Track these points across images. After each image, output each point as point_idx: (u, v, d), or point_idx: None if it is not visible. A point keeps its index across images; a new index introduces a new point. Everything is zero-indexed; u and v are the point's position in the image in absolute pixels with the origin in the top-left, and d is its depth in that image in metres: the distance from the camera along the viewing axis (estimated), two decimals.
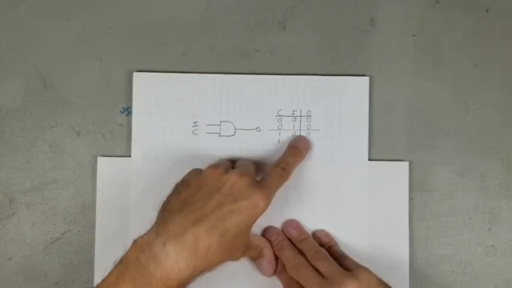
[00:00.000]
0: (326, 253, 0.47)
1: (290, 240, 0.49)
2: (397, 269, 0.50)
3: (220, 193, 0.43)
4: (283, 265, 0.47)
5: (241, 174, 0.44)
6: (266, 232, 0.50)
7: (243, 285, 0.49)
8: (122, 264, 0.41)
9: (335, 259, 0.46)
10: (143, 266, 0.40)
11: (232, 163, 0.49)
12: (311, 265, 0.46)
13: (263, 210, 0.44)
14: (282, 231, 0.50)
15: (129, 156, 0.50)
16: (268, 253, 0.48)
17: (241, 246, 0.45)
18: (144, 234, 0.42)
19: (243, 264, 0.49)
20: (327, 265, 0.45)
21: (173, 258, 0.40)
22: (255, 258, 0.48)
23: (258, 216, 0.44)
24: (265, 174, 0.47)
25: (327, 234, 0.50)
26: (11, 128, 0.51)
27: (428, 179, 0.51)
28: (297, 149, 0.49)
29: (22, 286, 0.50)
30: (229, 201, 0.43)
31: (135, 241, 0.41)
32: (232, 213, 0.42)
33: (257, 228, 0.50)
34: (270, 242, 0.49)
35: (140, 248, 0.41)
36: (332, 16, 0.52)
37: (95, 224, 0.50)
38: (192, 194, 0.44)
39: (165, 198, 0.46)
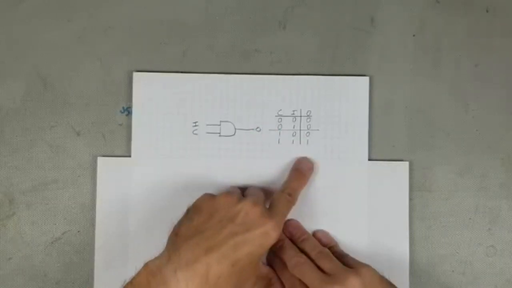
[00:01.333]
0: (329, 252, 0.47)
1: (290, 239, 0.49)
2: (397, 269, 0.50)
3: (234, 222, 0.43)
4: (284, 264, 0.47)
5: (254, 204, 0.44)
6: None
7: None
8: (132, 286, 0.41)
9: (336, 258, 0.46)
10: None
11: (242, 190, 0.49)
12: (314, 263, 0.46)
13: (275, 240, 0.44)
14: (283, 230, 0.50)
15: (129, 156, 0.50)
16: (277, 283, 0.48)
17: (252, 276, 0.45)
18: (156, 258, 0.42)
19: None
20: (330, 263, 0.45)
21: (183, 286, 0.40)
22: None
23: (269, 246, 0.44)
24: (273, 201, 0.47)
25: (327, 234, 0.50)
26: (11, 128, 0.51)
27: (428, 179, 0.51)
28: (300, 172, 0.49)
29: (22, 286, 0.50)
30: (242, 230, 0.43)
31: (146, 264, 0.41)
32: (245, 243, 0.42)
33: None
34: None
35: (151, 272, 0.41)
36: (332, 16, 0.52)
37: (95, 224, 0.50)
38: (204, 221, 0.44)
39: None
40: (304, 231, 0.50)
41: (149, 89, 0.51)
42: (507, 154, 0.51)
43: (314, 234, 0.50)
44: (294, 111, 0.51)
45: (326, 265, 0.45)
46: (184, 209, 0.47)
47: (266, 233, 0.43)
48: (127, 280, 0.41)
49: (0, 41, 0.51)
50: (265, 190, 0.49)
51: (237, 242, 0.42)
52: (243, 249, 0.42)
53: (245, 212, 0.44)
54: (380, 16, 0.52)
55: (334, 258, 0.46)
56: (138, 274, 0.41)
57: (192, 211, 0.46)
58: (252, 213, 0.44)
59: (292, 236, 0.49)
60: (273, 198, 0.47)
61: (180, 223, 0.45)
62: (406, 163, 0.51)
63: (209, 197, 0.46)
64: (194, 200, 0.47)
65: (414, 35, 0.52)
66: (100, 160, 0.50)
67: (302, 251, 0.48)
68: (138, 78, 0.51)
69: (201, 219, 0.44)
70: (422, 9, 0.52)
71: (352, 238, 0.50)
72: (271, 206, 0.46)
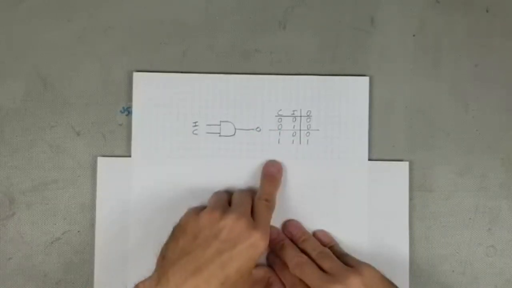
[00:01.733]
0: (330, 252, 0.47)
1: (291, 239, 0.49)
2: (397, 269, 0.50)
3: (218, 239, 0.43)
4: (285, 264, 0.47)
5: (238, 217, 0.44)
6: None
7: None
8: None
9: (337, 258, 0.47)
10: None
11: (229, 194, 0.49)
12: (315, 263, 0.46)
13: (264, 249, 0.44)
14: (283, 231, 0.50)
15: (129, 156, 0.50)
16: (276, 280, 0.48)
17: (245, 287, 0.45)
18: (146, 280, 0.42)
19: None
20: (330, 263, 0.46)
21: None
22: None
23: (259, 257, 0.44)
24: (253, 211, 0.46)
25: (327, 234, 0.50)
26: (11, 128, 0.51)
27: (428, 179, 0.51)
28: (271, 175, 0.49)
29: (22, 286, 0.50)
30: (228, 247, 0.43)
31: (136, 286, 0.42)
32: (232, 259, 0.42)
33: None
34: (270, 241, 0.49)
35: None
36: (332, 16, 0.52)
37: (95, 224, 0.50)
38: (189, 242, 0.44)
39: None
40: (304, 231, 0.50)
41: (149, 89, 0.51)
42: (507, 154, 0.51)
43: (314, 234, 0.50)
44: (294, 111, 0.51)
45: (327, 264, 0.45)
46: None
47: (254, 245, 0.43)
48: None
49: (0, 41, 0.51)
50: (253, 191, 0.49)
51: (224, 260, 0.42)
52: (231, 266, 0.42)
53: (229, 228, 0.43)
54: (380, 16, 0.52)
55: (335, 258, 0.46)
56: None
57: (177, 232, 0.45)
58: (236, 227, 0.43)
59: (292, 236, 0.49)
60: (252, 208, 0.47)
61: (167, 245, 0.45)
62: (406, 163, 0.51)
63: (192, 216, 0.46)
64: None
65: (414, 35, 0.52)
66: (100, 160, 0.50)
67: (303, 251, 0.48)
68: (138, 78, 0.51)
69: (186, 240, 0.44)
70: (422, 9, 0.52)
71: (352, 238, 0.50)
72: (255, 216, 0.46)
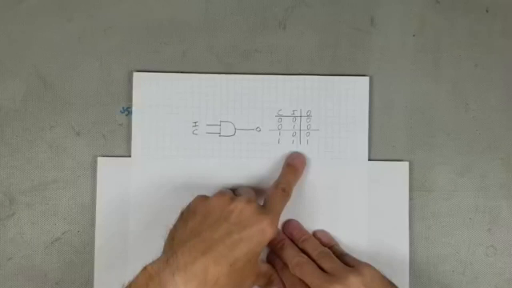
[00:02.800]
0: (330, 252, 0.47)
1: (291, 239, 0.49)
2: (397, 269, 0.50)
3: (228, 221, 0.43)
4: (285, 264, 0.47)
5: (248, 202, 0.44)
6: None
7: None
8: None
9: (337, 258, 0.47)
10: None
11: (232, 191, 0.49)
12: (315, 263, 0.46)
13: (272, 236, 0.44)
14: (283, 231, 0.50)
15: (129, 156, 0.50)
16: (277, 279, 0.48)
17: (251, 275, 0.45)
18: (154, 262, 0.42)
19: None
20: (331, 263, 0.45)
21: None
22: (265, 286, 0.48)
23: (266, 243, 0.44)
24: (267, 197, 0.46)
25: (327, 234, 0.50)
26: (11, 128, 0.51)
27: (428, 179, 0.51)
28: (294, 167, 0.49)
29: (22, 286, 0.50)
30: (238, 229, 0.43)
31: (144, 268, 0.41)
32: (241, 241, 0.42)
33: None
34: (270, 241, 0.49)
35: (150, 276, 0.40)
36: (332, 16, 0.52)
37: (95, 224, 0.50)
38: (199, 223, 0.44)
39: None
40: (304, 232, 0.50)
41: (149, 89, 0.51)
42: (507, 154, 0.51)
43: (314, 234, 0.50)
44: (294, 111, 0.51)
45: (327, 264, 0.45)
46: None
47: (262, 230, 0.43)
48: (126, 284, 0.41)
49: (0, 41, 0.51)
50: (256, 189, 0.49)
51: (233, 241, 0.42)
52: (240, 248, 0.42)
53: (239, 210, 0.43)
54: (380, 16, 0.52)
55: (335, 258, 0.46)
56: (137, 278, 0.41)
57: (186, 214, 0.45)
58: (246, 211, 0.43)
59: (292, 236, 0.49)
60: (267, 195, 0.47)
61: (176, 227, 0.45)
62: (406, 163, 0.51)
63: (202, 199, 0.46)
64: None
65: (414, 35, 0.52)
66: (100, 160, 0.50)
67: (303, 251, 0.48)
68: (138, 78, 0.51)
69: (196, 221, 0.44)
70: (422, 9, 0.52)
71: (352, 238, 0.50)
72: (265, 203, 0.46)
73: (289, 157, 0.50)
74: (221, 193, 0.46)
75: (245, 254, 0.42)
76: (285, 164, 0.50)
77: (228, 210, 0.44)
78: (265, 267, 0.48)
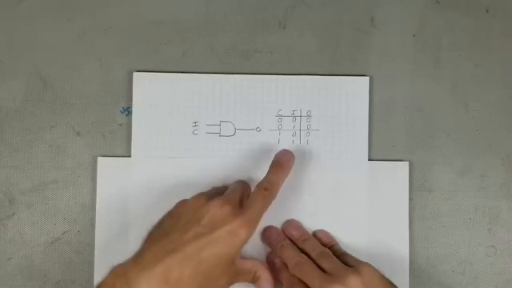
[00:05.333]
0: (330, 252, 0.47)
1: (291, 240, 0.49)
2: (397, 269, 0.50)
3: (199, 223, 0.43)
4: (285, 264, 0.47)
5: (223, 203, 0.44)
6: (265, 232, 0.50)
7: None
8: None
9: (337, 257, 0.47)
10: None
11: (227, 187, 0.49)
12: (315, 263, 0.46)
13: (245, 238, 0.43)
14: (283, 231, 0.50)
15: (129, 156, 0.50)
16: (264, 274, 0.47)
17: (224, 275, 0.44)
18: (124, 261, 0.43)
19: None
20: (330, 263, 0.45)
21: (144, 287, 0.40)
22: (252, 282, 0.48)
23: (240, 244, 0.44)
24: (250, 198, 0.46)
25: (327, 234, 0.50)
26: (11, 128, 0.51)
27: (428, 179, 0.51)
28: (279, 164, 0.48)
29: (22, 286, 0.50)
30: (207, 231, 0.43)
31: (114, 267, 0.42)
32: (209, 243, 0.42)
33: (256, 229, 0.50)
34: (270, 242, 0.49)
35: (117, 275, 0.41)
36: (332, 16, 0.52)
37: (95, 224, 0.50)
38: (171, 225, 0.44)
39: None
40: (304, 232, 0.50)
41: (149, 89, 0.51)
42: (507, 154, 0.51)
43: (314, 234, 0.50)
44: (294, 111, 0.51)
45: (326, 264, 0.45)
46: None
47: (233, 231, 0.43)
48: (96, 284, 0.42)
49: (0, 41, 0.51)
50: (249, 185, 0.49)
51: (200, 244, 0.42)
52: (208, 250, 0.42)
53: (212, 213, 0.44)
54: (380, 16, 0.52)
55: (335, 258, 0.46)
56: (106, 277, 0.42)
57: (165, 215, 0.47)
58: (218, 213, 0.43)
59: (292, 236, 0.49)
60: (249, 194, 0.47)
61: (153, 227, 0.46)
62: (406, 163, 0.51)
63: (181, 202, 0.47)
64: None
65: (414, 35, 0.52)
66: (100, 160, 0.50)
67: (303, 251, 0.48)
68: (138, 78, 0.51)
69: (169, 223, 0.45)
70: (422, 9, 0.52)
71: (352, 238, 0.50)
72: (245, 203, 0.45)
73: (276, 155, 0.49)
74: (199, 194, 0.47)
75: (213, 256, 0.42)
76: (271, 163, 0.49)
77: (201, 212, 0.44)
78: (249, 264, 0.47)
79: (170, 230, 0.44)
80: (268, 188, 0.47)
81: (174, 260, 0.41)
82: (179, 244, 0.42)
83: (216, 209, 0.44)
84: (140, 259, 0.42)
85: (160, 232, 0.45)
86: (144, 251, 0.43)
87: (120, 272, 0.41)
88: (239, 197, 0.46)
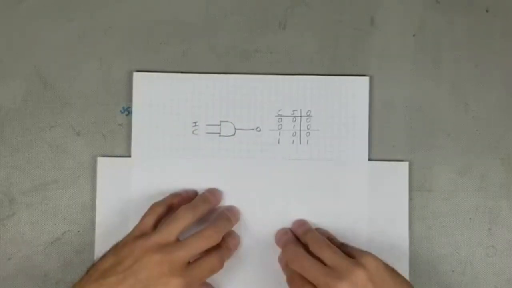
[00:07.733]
0: (328, 241, 0.46)
1: (297, 238, 0.49)
2: (397, 269, 0.50)
3: (136, 277, 0.42)
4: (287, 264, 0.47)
5: (161, 262, 0.43)
6: (276, 234, 0.50)
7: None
8: None
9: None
10: None
11: (220, 193, 0.49)
12: (315, 257, 0.44)
13: None
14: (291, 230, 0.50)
15: (129, 156, 0.50)
16: None
17: None
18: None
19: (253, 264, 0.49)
20: (330, 253, 0.44)
21: None
22: None
23: None
24: (200, 259, 0.45)
25: (327, 233, 0.50)
26: (11, 128, 0.51)
27: (428, 179, 0.51)
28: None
29: (22, 286, 0.50)
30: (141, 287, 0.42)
31: None
32: None
33: (264, 229, 0.50)
34: (279, 242, 0.49)
35: None
36: (332, 16, 0.52)
37: (95, 224, 0.50)
38: (112, 266, 0.43)
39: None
40: (307, 227, 0.49)
41: (149, 89, 0.51)
42: (507, 154, 0.51)
43: None
44: (294, 111, 0.51)
45: (325, 255, 0.44)
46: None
47: None
48: None
49: (0, 41, 0.51)
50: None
51: None
52: None
53: (151, 267, 0.42)
54: (380, 16, 0.52)
55: (334, 247, 0.45)
56: None
57: (112, 248, 0.45)
58: (157, 270, 0.42)
59: (296, 233, 0.49)
60: (200, 258, 0.45)
61: (98, 259, 0.45)
62: (406, 163, 0.51)
63: (131, 238, 0.45)
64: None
65: (414, 35, 0.52)
66: (100, 160, 0.50)
67: (306, 245, 0.46)
68: (138, 78, 0.51)
69: (111, 262, 0.43)
70: (422, 9, 0.52)
71: (352, 238, 0.50)
72: (193, 263, 0.44)
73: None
74: (150, 235, 0.44)
75: None
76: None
77: (141, 263, 0.43)
78: None
79: (109, 272, 0.43)
80: (212, 236, 0.45)
81: None
82: None
83: (155, 266, 0.42)
84: None
85: (101, 270, 0.43)
86: (83, 286, 0.42)
87: None
88: (179, 230, 0.45)
